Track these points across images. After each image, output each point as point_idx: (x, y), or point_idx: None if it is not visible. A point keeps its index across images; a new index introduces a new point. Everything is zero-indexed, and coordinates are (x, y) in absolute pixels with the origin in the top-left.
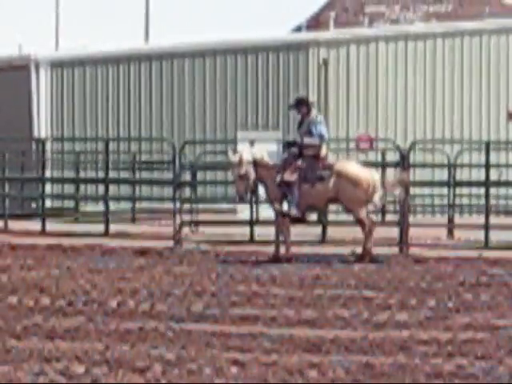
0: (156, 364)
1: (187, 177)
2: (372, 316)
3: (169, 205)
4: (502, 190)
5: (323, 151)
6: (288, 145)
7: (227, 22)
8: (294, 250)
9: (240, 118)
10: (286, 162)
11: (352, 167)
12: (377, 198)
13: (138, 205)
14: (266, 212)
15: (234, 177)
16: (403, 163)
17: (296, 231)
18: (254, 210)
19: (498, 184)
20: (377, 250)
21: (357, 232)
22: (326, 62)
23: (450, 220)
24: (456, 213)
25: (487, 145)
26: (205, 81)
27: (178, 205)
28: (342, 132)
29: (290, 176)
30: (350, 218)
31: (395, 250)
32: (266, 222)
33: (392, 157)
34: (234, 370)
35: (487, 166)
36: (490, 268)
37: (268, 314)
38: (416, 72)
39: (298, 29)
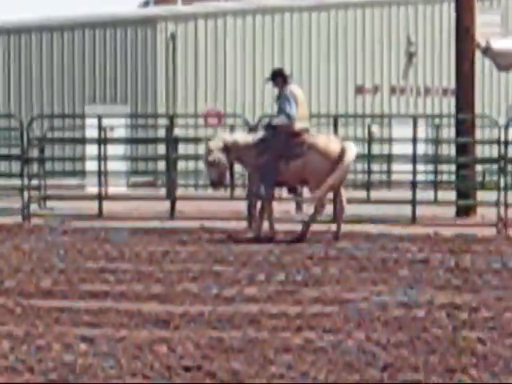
0: (4, 340)
1: (35, 152)
2: (221, 290)
3: (17, 181)
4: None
5: (297, 128)
6: (267, 127)
7: None
8: (140, 224)
9: (88, 93)
10: (263, 143)
11: (323, 140)
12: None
13: None
14: (114, 187)
15: (204, 165)
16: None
17: (144, 208)
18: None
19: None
20: (225, 225)
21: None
22: (173, 37)
23: (299, 194)
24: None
25: (335, 119)
26: (52, 56)
27: (26, 181)
28: (190, 107)
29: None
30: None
31: (243, 224)
32: (114, 198)
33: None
34: (82, 345)
35: None
36: (338, 241)
37: (117, 289)
38: (264, 46)
39: (146, 3)
